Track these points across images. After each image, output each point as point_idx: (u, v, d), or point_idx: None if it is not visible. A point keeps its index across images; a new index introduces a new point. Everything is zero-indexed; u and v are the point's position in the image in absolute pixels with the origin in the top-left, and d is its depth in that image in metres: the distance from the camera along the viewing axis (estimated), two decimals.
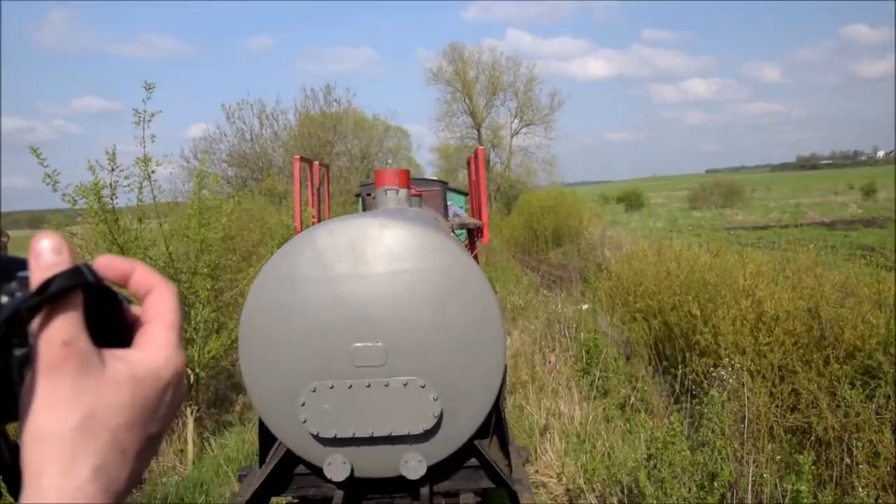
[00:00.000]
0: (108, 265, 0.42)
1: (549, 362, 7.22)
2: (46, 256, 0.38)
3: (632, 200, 48.31)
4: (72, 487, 0.36)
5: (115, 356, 0.40)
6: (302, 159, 5.63)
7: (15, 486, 0.38)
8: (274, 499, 3.02)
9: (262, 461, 3.04)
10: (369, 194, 7.61)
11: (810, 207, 37.11)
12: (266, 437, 2.99)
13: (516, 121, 35.11)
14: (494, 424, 2.97)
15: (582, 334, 7.69)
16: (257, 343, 2.65)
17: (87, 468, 0.36)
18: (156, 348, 0.42)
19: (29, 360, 0.37)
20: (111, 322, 0.41)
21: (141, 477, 0.41)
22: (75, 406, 0.37)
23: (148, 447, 0.41)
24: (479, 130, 34.79)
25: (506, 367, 2.81)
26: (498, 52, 36.98)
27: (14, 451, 0.39)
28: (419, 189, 5.67)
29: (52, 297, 0.36)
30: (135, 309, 0.44)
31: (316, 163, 5.97)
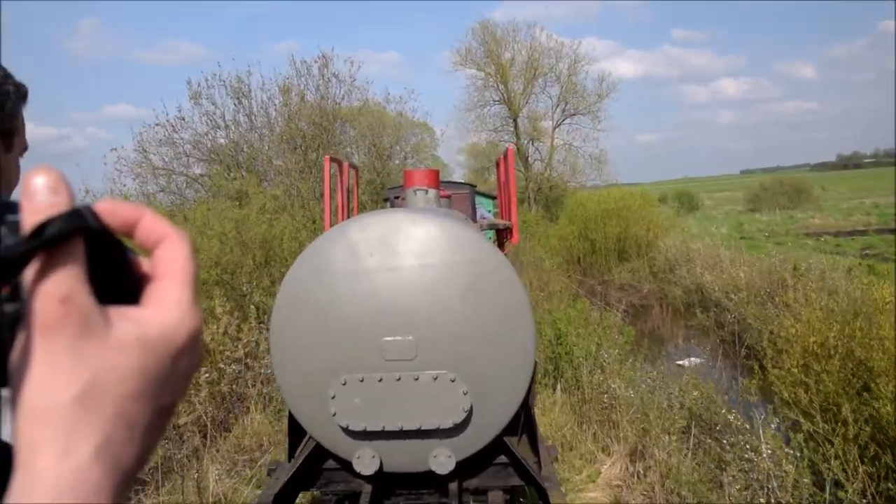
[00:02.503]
0: (111, 210, 0.39)
1: None
2: (41, 196, 0.35)
3: (684, 202, 47.82)
4: (71, 469, 0.34)
5: (121, 315, 0.38)
6: (332, 159, 5.97)
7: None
8: (302, 493, 3.33)
9: (290, 456, 3.36)
10: (397, 197, 7.99)
11: (892, 208, 36.19)
12: (294, 433, 3.31)
13: (559, 110, 31.97)
14: (524, 422, 3.24)
15: None
16: (288, 335, 2.97)
17: (88, 446, 0.34)
18: (168, 306, 0.40)
19: (21, 318, 0.35)
20: (116, 276, 0.39)
21: (150, 454, 0.40)
22: (75, 373, 0.35)
23: (159, 420, 0.39)
24: (515, 121, 31.93)
25: (536, 362, 3.07)
26: (538, 30, 32.20)
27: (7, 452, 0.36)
28: (447, 191, 6.00)
29: (48, 243, 0.34)
30: (142, 262, 0.42)
31: (346, 163, 6.33)
